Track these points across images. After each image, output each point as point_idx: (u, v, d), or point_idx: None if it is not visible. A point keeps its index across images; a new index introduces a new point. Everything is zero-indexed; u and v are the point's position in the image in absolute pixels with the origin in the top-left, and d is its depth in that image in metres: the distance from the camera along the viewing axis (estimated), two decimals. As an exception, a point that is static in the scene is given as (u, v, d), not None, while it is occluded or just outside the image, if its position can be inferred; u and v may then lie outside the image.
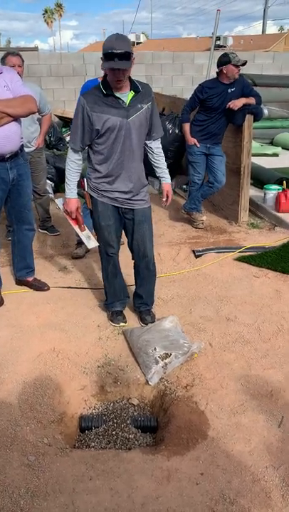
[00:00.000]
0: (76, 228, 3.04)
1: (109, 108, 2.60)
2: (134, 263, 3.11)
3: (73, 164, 2.81)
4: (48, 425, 2.31)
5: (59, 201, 3.09)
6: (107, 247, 2.99)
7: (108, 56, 2.43)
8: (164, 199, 3.03)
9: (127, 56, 2.44)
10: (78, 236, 3.19)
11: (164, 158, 3.01)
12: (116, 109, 2.61)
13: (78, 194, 2.92)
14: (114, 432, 2.37)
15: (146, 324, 3.08)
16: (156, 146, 2.93)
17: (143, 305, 3.22)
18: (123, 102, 2.62)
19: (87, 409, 2.56)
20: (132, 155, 2.75)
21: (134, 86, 2.65)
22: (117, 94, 2.60)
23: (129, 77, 2.62)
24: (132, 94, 2.64)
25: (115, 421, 2.44)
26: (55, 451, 2.15)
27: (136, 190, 2.84)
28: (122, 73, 2.49)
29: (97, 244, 3.04)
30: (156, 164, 2.99)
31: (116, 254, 3.06)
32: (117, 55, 2.41)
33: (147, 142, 2.89)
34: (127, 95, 2.63)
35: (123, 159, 2.74)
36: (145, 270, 3.08)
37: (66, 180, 2.84)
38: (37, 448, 2.15)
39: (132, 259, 3.10)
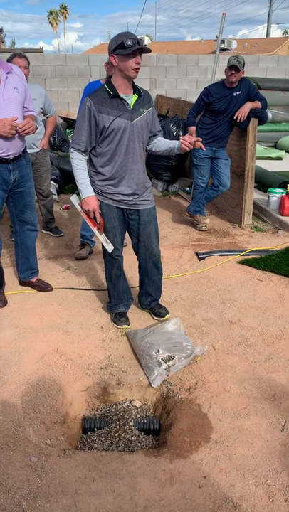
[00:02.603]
0: (95, 230, 2.88)
1: (115, 110, 2.63)
2: (140, 263, 3.13)
3: (79, 162, 2.76)
4: (51, 426, 2.31)
5: (74, 200, 2.91)
6: (112, 250, 2.98)
7: (129, 43, 2.47)
8: (192, 137, 2.75)
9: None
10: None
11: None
12: (121, 111, 2.64)
13: (80, 194, 2.87)
14: (116, 434, 2.37)
15: (163, 317, 3.18)
16: (155, 143, 2.92)
17: (153, 302, 3.28)
18: (128, 104, 2.66)
19: (90, 410, 2.56)
20: (135, 157, 2.77)
21: (136, 90, 2.70)
22: (122, 96, 2.63)
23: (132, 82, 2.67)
24: (135, 97, 2.69)
25: (118, 423, 2.44)
26: (58, 452, 2.15)
27: (140, 192, 2.86)
28: (140, 59, 2.55)
29: (113, 247, 2.96)
30: (166, 146, 2.88)
31: (120, 257, 3.06)
32: (138, 41, 2.49)
33: (148, 146, 2.91)
34: (131, 98, 2.67)
35: (127, 161, 2.75)
36: (154, 269, 3.12)
37: (78, 180, 2.77)
38: (40, 449, 2.15)
39: (138, 259, 3.11)
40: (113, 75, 2.65)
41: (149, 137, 2.87)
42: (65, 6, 64.24)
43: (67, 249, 4.54)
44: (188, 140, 2.71)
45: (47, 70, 10.26)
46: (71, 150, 2.77)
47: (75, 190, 6.46)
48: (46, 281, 3.68)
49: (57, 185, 6.28)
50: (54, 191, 6.00)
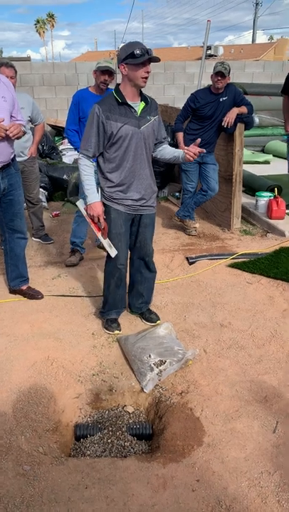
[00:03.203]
0: (99, 235, 2.91)
1: (123, 117, 2.68)
2: (133, 261, 3.17)
3: (87, 168, 2.80)
4: (43, 434, 2.30)
5: (80, 205, 2.95)
6: (115, 258, 2.98)
7: (138, 53, 2.51)
8: (197, 148, 2.82)
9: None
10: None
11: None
12: (129, 118, 2.69)
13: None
14: (109, 440, 2.37)
15: (154, 322, 3.20)
16: (160, 150, 2.97)
17: (144, 304, 3.30)
18: (135, 111, 2.72)
19: (83, 417, 2.55)
20: (143, 163, 2.82)
21: (143, 97, 2.76)
22: (130, 103, 2.69)
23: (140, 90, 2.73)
24: (142, 104, 2.75)
25: (110, 429, 2.44)
26: (51, 460, 2.14)
27: (147, 197, 2.92)
28: (149, 68, 2.60)
29: (116, 252, 2.96)
30: (171, 154, 2.94)
31: (123, 266, 3.05)
32: (147, 51, 2.54)
33: (153, 153, 2.96)
34: (138, 105, 2.73)
35: (135, 167, 2.80)
36: (146, 270, 3.18)
37: (84, 185, 2.80)
38: (32, 457, 2.14)
39: (131, 257, 3.16)
40: (121, 83, 2.70)
41: (155, 144, 2.93)
42: (52, 15, 64.49)
43: (57, 256, 4.54)
44: (193, 151, 2.79)
45: (34, 78, 10.28)
46: (79, 156, 2.80)
47: (64, 197, 6.47)
48: (37, 288, 3.68)
49: (46, 193, 6.28)
50: (43, 199, 6.00)
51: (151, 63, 2.61)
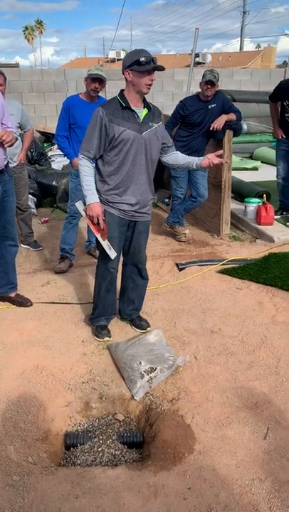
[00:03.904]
0: (98, 236, 2.91)
1: (125, 121, 2.71)
2: (126, 266, 3.18)
3: (87, 169, 2.81)
4: (33, 443, 2.27)
5: (80, 206, 2.95)
6: (107, 261, 2.99)
7: (144, 60, 2.57)
8: (217, 159, 2.93)
9: None
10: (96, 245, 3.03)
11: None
12: (131, 123, 2.72)
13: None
14: (100, 449, 2.35)
15: (145, 329, 3.20)
16: (171, 155, 3.02)
17: (134, 311, 3.30)
18: (138, 116, 2.74)
19: (73, 426, 2.53)
20: (141, 168, 2.84)
21: (146, 104, 2.80)
22: (134, 109, 2.72)
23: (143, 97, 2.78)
24: (145, 111, 2.78)
25: (101, 437, 2.42)
26: (40, 470, 2.11)
27: (143, 202, 2.93)
28: (154, 77, 2.66)
29: (116, 254, 2.97)
30: (184, 160, 3.01)
31: (115, 270, 3.06)
32: (153, 59, 2.60)
33: (163, 158, 3.00)
34: (141, 111, 2.76)
35: (133, 172, 2.82)
36: (139, 276, 3.20)
37: (84, 186, 2.81)
38: (21, 467, 2.11)
39: (123, 262, 3.16)
40: (126, 88, 2.74)
41: (164, 149, 2.97)
42: (41, 22, 64.55)
43: (46, 263, 4.51)
44: (214, 160, 2.90)
45: (23, 85, 10.27)
46: (80, 157, 2.81)
47: (53, 203, 6.45)
48: (25, 295, 3.65)
49: (35, 199, 6.26)
50: (32, 205, 5.97)
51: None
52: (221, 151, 2.98)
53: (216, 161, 2.91)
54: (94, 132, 2.72)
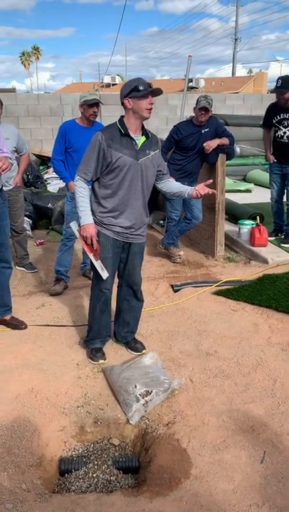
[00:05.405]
0: (91, 256, 2.95)
1: (123, 148, 2.76)
2: (121, 288, 3.19)
3: (83, 190, 2.86)
4: (27, 470, 2.23)
5: (74, 226, 3.01)
6: (101, 282, 3.00)
7: (141, 87, 2.67)
8: (206, 189, 2.99)
9: None
10: (91, 265, 3.06)
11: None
12: (128, 149, 2.77)
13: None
14: (94, 475, 2.31)
15: (140, 352, 3.19)
16: (166, 183, 3.09)
17: (130, 334, 3.30)
18: (136, 144, 2.80)
19: (67, 451, 2.49)
20: (137, 193, 2.89)
21: (145, 132, 2.86)
22: (132, 136, 2.78)
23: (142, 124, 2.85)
24: (143, 138, 2.84)
25: (96, 462, 2.38)
26: (34, 497, 2.07)
27: (137, 226, 2.97)
28: (153, 100, 2.73)
29: (108, 274, 2.99)
30: (178, 188, 3.07)
31: (108, 290, 3.07)
32: (149, 85, 2.70)
33: (158, 184, 3.06)
34: (139, 139, 2.82)
35: (129, 197, 2.87)
36: (134, 298, 3.21)
37: (79, 207, 2.86)
38: (15, 495, 2.06)
39: (118, 284, 3.18)
40: (125, 116, 2.80)
41: (159, 176, 3.03)
42: (37, 48, 65.87)
43: (41, 285, 4.51)
44: (201, 191, 2.95)
45: (20, 109, 10.44)
46: (77, 178, 2.86)
47: (49, 225, 6.48)
48: (20, 318, 3.63)
49: (31, 221, 6.28)
50: (28, 227, 5.99)
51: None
52: (210, 181, 3.05)
53: (204, 191, 2.96)
54: (92, 155, 2.77)
